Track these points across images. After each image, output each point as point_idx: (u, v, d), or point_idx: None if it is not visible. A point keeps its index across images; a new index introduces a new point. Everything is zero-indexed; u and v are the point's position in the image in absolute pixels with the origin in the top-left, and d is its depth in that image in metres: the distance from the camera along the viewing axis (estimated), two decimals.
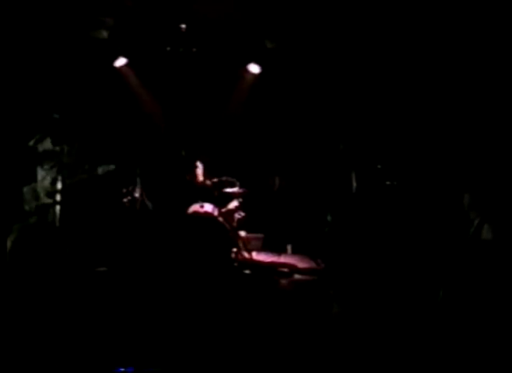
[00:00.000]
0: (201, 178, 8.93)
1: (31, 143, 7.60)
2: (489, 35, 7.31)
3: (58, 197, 7.26)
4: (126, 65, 9.64)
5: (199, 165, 9.02)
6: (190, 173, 8.92)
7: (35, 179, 7.47)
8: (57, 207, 7.21)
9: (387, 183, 8.26)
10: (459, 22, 7.55)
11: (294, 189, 9.71)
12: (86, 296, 6.65)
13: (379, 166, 8.37)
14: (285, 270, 8.23)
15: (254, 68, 9.77)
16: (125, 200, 8.69)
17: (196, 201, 8.51)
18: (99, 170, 7.35)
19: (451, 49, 7.77)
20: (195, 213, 8.35)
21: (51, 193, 7.42)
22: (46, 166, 7.50)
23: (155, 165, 9.74)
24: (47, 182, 7.44)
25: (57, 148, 7.46)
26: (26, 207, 7.45)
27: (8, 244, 6.70)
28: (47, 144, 7.54)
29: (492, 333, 5.34)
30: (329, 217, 8.68)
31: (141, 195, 8.84)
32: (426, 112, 8.11)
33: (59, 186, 7.30)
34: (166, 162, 9.74)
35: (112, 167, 7.41)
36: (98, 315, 6.01)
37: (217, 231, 8.13)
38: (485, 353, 5.11)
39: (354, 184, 8.35)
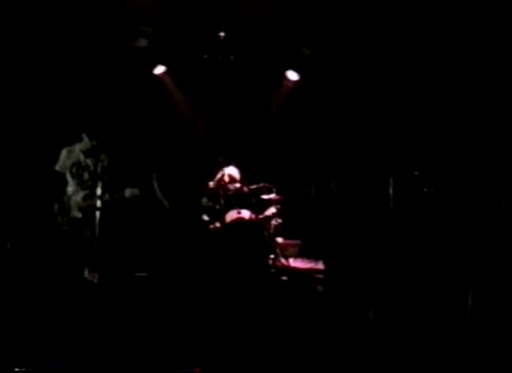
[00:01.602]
0: (237, 184, 8.96)
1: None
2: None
3: (97, 213, 7.07)
4: (165, 73, 9.80)
5: (230, 171, 9.05)
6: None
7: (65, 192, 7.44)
8: (97, 216, 7.09)
9: (425, 189, 8.21)
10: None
11: (331, 195, 9.70)
12: (125, 301, 6.77)
13: (416, 173, 8.33)
14: (322, 276, 8.24)
15: (292, 75, 9.80)
16: None
17: (233, 208, 8.57)
18: (127, 192, 7.16)
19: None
20: (240, 219, 8.40)
21: (84, 208, 7.32)
22: (77, 180, 7.40)
23: (191, 171, 9.85)
24: (79, 196, 7.35)
25: (90, 161, 7.37)
26: (59, 219, 7.45)
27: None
28: (78, 154, 7.47)
29: None
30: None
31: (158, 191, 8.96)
32: (464, 120, 8.06)
33: (98, 203, 7.10)
34: (204, 168, 9.81)
35: (136, 191, 7.21)
36: (135, 319, 6.11)
37: (255, 237, 8.17)
38: None
39: (391, 191, 8.31)
